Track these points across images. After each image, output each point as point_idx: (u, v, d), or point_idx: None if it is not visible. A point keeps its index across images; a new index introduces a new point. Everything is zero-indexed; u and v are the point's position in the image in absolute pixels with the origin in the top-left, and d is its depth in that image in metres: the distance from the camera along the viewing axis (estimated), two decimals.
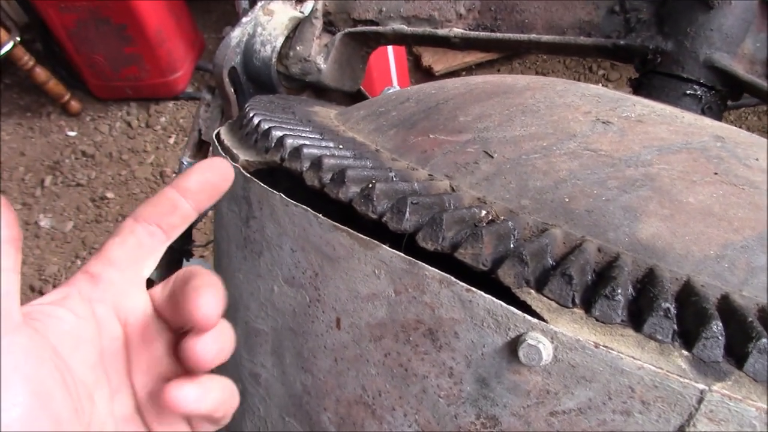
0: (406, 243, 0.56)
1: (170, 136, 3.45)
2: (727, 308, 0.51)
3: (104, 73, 3.43)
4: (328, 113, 0.88)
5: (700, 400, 0.45)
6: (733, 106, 2.80)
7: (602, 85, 3.19)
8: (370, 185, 0.56)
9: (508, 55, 3.42)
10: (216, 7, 3.97)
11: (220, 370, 0.81)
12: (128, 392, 0.46)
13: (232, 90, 1.08)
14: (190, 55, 3.56)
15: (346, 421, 0.60)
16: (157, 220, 0.48)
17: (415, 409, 0.55)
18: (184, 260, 1.27)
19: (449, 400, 0.53)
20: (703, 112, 0.84)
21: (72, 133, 3.51)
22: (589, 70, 3.29)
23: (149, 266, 0.48)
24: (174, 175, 3.19)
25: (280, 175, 0.66)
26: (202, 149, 1.18)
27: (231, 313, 0.74)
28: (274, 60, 1.06)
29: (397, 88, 1.51)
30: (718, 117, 0.85)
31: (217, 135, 0.78)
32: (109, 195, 3.22)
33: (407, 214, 0.54)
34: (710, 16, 0.81)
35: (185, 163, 1.17)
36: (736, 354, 0.47)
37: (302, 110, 0.85)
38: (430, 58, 3.40)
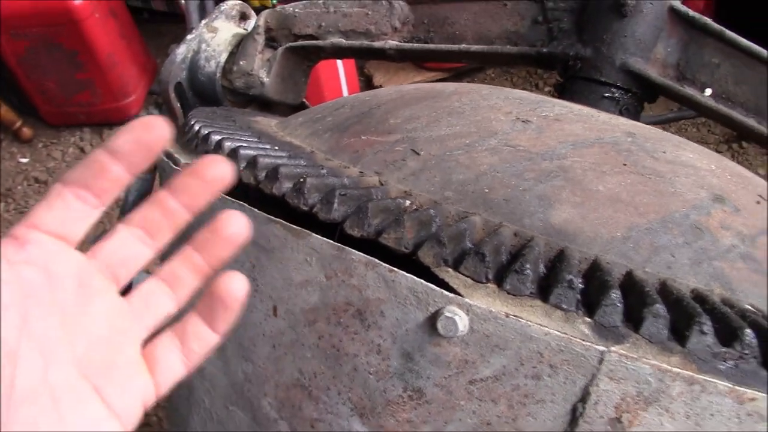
0: (340, 235, 0.60)
1: None
2: (629, 282, 0.56)
3: (56, 99, 3.42)
4: (269, 122, 0.92)
5: (600, 361, 0.49)
6: (674, 118, 2.91)
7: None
8: (302, 179, 0.60)
9: (457, 74, 3.50)
10: (168, 31, 3.99)
11: None
12: (66, 357, 0.44)
13: (179, 105, 1.12)
14: (142, 79, 3.57)
15: (286, 404, 0.63)
16: (86, 184, 0.44)
17: (348, 387, 0.59)
18: None
19: (378, 375, 0.57)
20: (621, 113, 0.90)
21: (24, 160, 3.48)
22: (535, 87, 3.38)
23: (79, 229, 0.45)
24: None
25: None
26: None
27: None
28: (218, 75, 1.10)
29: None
30: (636, 118, 0.91)
31: None
32: None
33: (336, 205, 0.58)
34: (624, 24, 0.87)
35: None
36: (634, 319, 0.51)
37: (243, 119, 0.89)
38: (381, 77, 3.46)
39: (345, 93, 3.11)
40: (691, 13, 0.87)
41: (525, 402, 0.53)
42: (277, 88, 1.11)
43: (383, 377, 0.57)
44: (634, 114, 0.91)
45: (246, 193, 0.64)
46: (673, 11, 0.87)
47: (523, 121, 0.73)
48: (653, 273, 0.59)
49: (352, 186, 0.62)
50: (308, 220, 0.60)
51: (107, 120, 3.56)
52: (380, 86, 3.42)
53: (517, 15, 0.96)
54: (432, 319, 0.53)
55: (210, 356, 0.69)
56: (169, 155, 0.75)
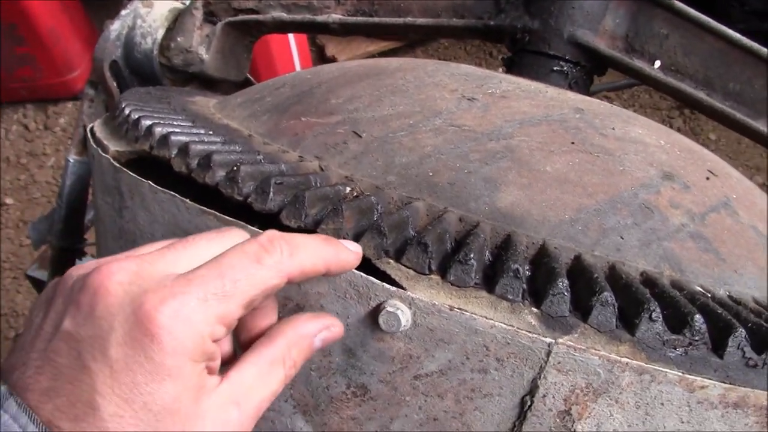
0: (279, 225, 0.57)
1: (71, 138, 3.34)
2: (578, 267, 0.54)
3: None
4: (207, 102, 0.88)
5: (548, 353, 0.48)
6: (626, 84, 2.91)
7: (501, 70, 3.26)
8: (235, 168, 0.57)
9: (411, 43, 3.46)
10: (111, 3, 3.86)
11: None
12: None
13: (115, 84, 1.07)
14: (87, 53, 3.45)
15: None
16: None
17: (290, 384, 0.56)
18: (77, 260, 1.25)
19: (320, 372, 0.54)
20: (570, 87, 0.88)
21: None
22: (489, 55, 3.36)
23: None
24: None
25: (162, 169, 0.66)
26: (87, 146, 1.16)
27: None
28: (155, 52, 1.05)
29: None
30: (585, 91, 0.89)
31: (91, 129, 0.77)
32: (8, 201, 3.11)
33: (271, 194, 0.55)
34: None
35: (71, 161, 1.15)
36: (582, 308, 0.50)
37: (179, 100, 0.85)
38: (333, 48, 3.40)
39: (297, 65, 3.05)
40: None
41: (472, 396, 0.51)
42: (217, 65, 1.07)
43: (325, 374, 0.54)
44: (584, 87, 0.89)
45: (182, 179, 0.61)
46: None
47: (468, 99, 0.70)
48: (602, 256, 0.57)
49: (289, 173, 0.59)
50: (247, 210, 0.57)
51: (52, 95, 3.45)
52: (333, 57, 3.37)
53: None
54: (374, 314, 0.50)
55: None
56: (98, 142, 0.71)
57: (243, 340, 0.48)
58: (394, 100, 0.70)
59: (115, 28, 1.05)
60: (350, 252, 0.49)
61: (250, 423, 0.44)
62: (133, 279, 0.41)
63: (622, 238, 0.59)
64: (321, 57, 3.46)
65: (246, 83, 1.17)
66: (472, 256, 0.50)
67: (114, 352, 0.38)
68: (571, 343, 0.47)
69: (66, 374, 0.39)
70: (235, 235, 0.47)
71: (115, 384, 0.38)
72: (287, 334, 0.47)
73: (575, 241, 0.58)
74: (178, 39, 1.04)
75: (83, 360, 0.38)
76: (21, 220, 3.05)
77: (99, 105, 1.12)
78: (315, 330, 0.48)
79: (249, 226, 0.54)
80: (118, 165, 0.65)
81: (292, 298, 0.54)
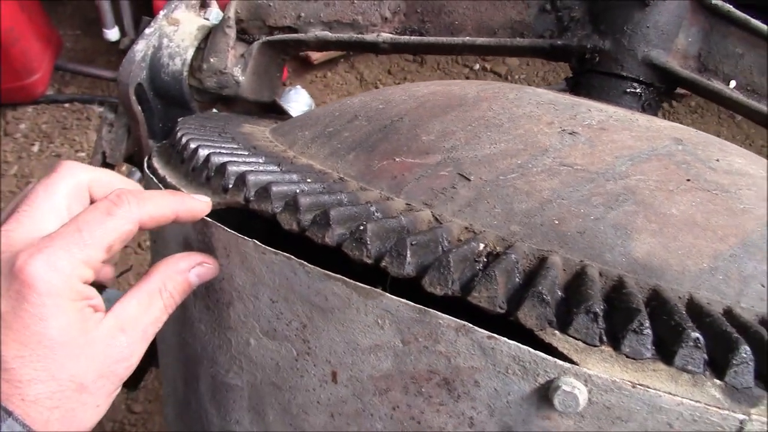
0: (392, 281, 0.52)
1: (33, 144, 3.21)
2: (736, 325, 0.50)
3: None
4: (263, 133, 0.82)
5: (740, 430, 0.44)
6: None
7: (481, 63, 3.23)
8: (362, 227, 0.51)
9: None
10: (70, 1, 3.71)
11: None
12: None
13: (140, 108, 1.00)
14: (47, 54, 3.32)
15: None
16: None
17: None
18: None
19: None
20: (643, 109, 0.84)
21: None
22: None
23: None
24: None
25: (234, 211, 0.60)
26: None
27: (192, 366, 0.68)
28: (185, 74, 0.98)
29: (298, 87, 1.45)
30: (656, 112, 0.86)
31: (151, 168, 0.71)
32: None
33: (408, 257, 0.50)
34: (646, 14, 0.81)
35: None
36: (765, 376, 0.46)
37: (238, 134, 0.79)
38: None
39: None
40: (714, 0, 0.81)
41: None
42: (253, 87, 1.00)
43: None
44: (655, 109, 0.86)
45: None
46: None
47: (570, 134, 0.66)
48: (749, 308, 0.54)
49: (411, 228, 0.55)
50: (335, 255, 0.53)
51: (11, 100, 3.29)
52: (306, 55, 3.29)
53: (522, 2, 0.89)
54: (542, 392, 0.46)
55: (243, 420, 0.61)
56: (172, 189, 0.65)
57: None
58: (492, 137, 0.66)
59: (140, 48, 0.98)
60: (198, 201, 0.58)
61: (139, 345, 0.53)
62: (5, 248, 0.49)
63: (762, 286, 0.56)
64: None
65: (273, 103, 1.10)
66: (647, 324, 0.46)
67: (2, 306, 0.46)
68: (765, 418, 0.44)
69: None
70: (63, 171, 0.55)
71: (9, 332, 0.46)
72: (162, 270, 0.56)
73: (720, 293, 0.55)
74: (211, 60, 0.97)
75: None
76: None
77: (120, 129, 1.05)
78: (186, 266, 0.57)
79: (388, 295, 0.50)
80: (208, 219, 0.59)
81: (439, 372, 0.49)
